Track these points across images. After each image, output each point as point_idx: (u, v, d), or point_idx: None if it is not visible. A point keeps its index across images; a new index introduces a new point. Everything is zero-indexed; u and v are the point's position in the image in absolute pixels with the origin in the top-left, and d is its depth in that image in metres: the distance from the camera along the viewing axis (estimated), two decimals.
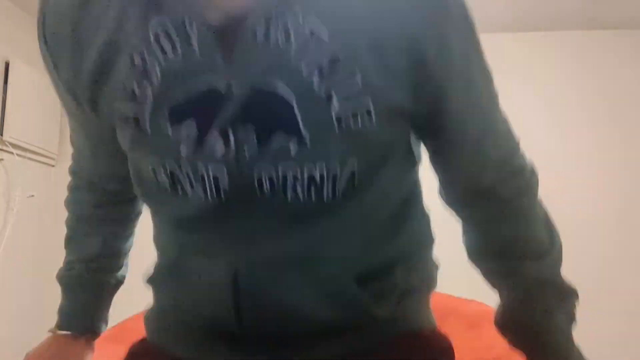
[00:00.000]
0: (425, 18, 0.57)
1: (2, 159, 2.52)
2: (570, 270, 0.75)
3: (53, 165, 2.90)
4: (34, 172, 2.76)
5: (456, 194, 0.72)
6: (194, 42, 0.55)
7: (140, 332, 0.94)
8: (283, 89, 0.55)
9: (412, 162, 0.71)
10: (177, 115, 0.57)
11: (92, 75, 0.60)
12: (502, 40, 2.81)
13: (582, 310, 0.72)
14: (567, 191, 2.68)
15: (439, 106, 0.62)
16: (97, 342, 0.88)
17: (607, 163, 2.68)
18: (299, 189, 0.58)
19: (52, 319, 0.85)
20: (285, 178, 0.57)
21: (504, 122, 0.72)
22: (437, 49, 0.58)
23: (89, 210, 0.84)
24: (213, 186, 0.58)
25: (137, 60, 0.56)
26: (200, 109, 0.57)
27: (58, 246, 2.98)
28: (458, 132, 0.66)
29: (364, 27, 0.55)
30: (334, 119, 0.55)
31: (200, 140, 0.57)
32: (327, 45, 0.54)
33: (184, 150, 0.58)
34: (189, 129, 0.57)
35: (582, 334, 0.73)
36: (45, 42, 0.65)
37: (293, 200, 0.59)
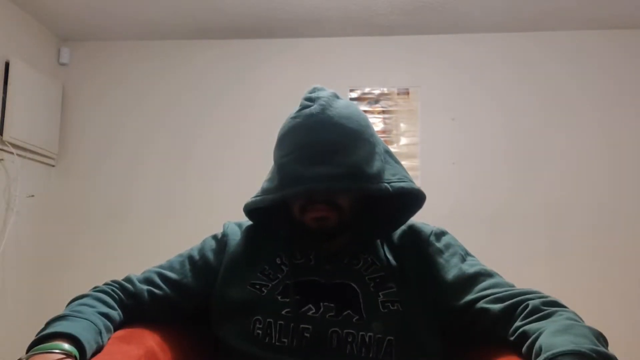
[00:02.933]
0: (420, 248, 1.06)
1: (2, 159, 2.52)
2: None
3: (53, 165, 2.91)
4: (34, 172, 2.76)
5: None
6: (313, 259, 1.04)
7: (149, 334, 0.94)
8: (355, 285, 0.99)
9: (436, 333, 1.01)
10: (289, 289, 0.98)
11: (250, 263, 1.05)
12: (502, 40, 2.81)
13: None
14: (567, 191, 2.68)
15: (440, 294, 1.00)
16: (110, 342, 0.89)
17: (607, 163, 2.68)
18: (355, 346, 0.92)
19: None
20: (346, 336, 0.93)
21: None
22: (429, 267, 1.03)
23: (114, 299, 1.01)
24: (301, 335, 0.93)
25: (279, 260, 1.04)
26: (305, 290, 0.98)
27: (58, 246, 2.98)
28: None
29: (394, 260, 1.04)
30: (379, 303, 0.96)
31: (301, 304, 0.96)
32: (378, 268, 1.02)
33: (287, 309, 0.95)
34: (296, 299, 0.97)
35: None
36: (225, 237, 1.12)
37: (350, 353, 0.92)
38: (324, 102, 0.96)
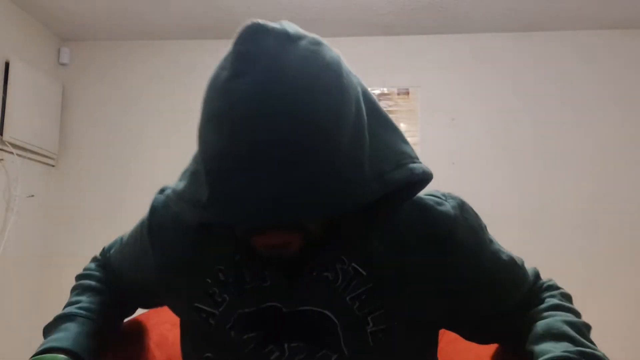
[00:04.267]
0: (434, 249, 0.72)
1: (2, 159, 2.52)
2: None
3: (53, 165, 2.91)
4: (34, 172, 2.76)
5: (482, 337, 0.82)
6: (268, 278, 0.72)
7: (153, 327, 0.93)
8: (331, 312, 0.71)
9: (434, 350, 0.82)
10: (244, 322, 0.73)
11: (185, 274, 0.77)
12: (502, 40, 2.81)
13: None
14: (566, 191, 2.68)
15: (458, 308, 0.75)
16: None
17: (608, 162, 2.68)
18: None
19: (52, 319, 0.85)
20: None
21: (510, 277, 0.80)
22: (449, 271, 0.72)
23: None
24: None
25: (223, 277, 0.74)
26: (264, 321, 0.72)
27: (58, 246, 2.98)
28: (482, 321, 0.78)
29: (391, 263, 0.72)
30: (369, 334, 0.71)
31: (262, 345, 0.72)
32: (365, 278, 0.71)
33: (245, 350, 0.73)
34: (252, 336, 0.73)
35: None
36: (150, 234, 0.80)
37: None
38: (268, 66, 0.58)
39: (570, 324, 0.70)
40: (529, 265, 0.85)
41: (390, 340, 0.71)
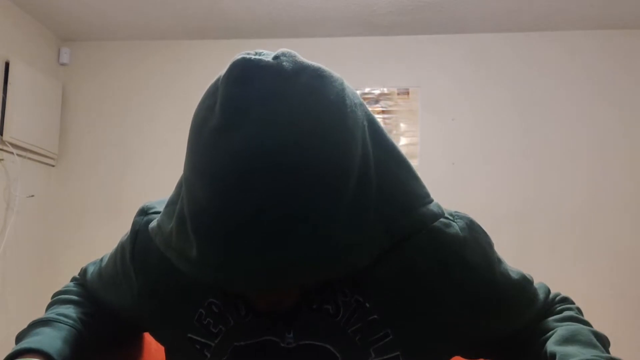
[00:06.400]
0: (444, 273, 0.67)
1: (2, 159, 2.52)
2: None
3: (53, 165, 2.91)
4: (34, 172, 2.76)
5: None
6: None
7: None
8: (332, 346, 0.66)
9: None
10: (240, 356, 0.67)
11: (175, 303, 0.71)
12: (502, 40, 2.81)
13: None
14: (566, 190, 2.68)
15: (468, 331, 0.70)
16: None
17: (608, 162, 2.68)
18: None
19: None
20: None
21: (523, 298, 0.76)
22: (461, 296, 0.67)
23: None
24: None
25: (216, 309, 0.69)
26: (261, 355, 0.67)
27: (58, 246, 2.98)
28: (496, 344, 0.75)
29: (398, 291, 0.67)
30: None
31: None
32: (368, 310, 0.66)
33: None
34: None
35: None
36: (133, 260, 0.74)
37: None
38: (261, 117, 0.51)
39: (596, 334, 0.68)
40: (535, 277, 0.81)
41: None
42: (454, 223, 0.69)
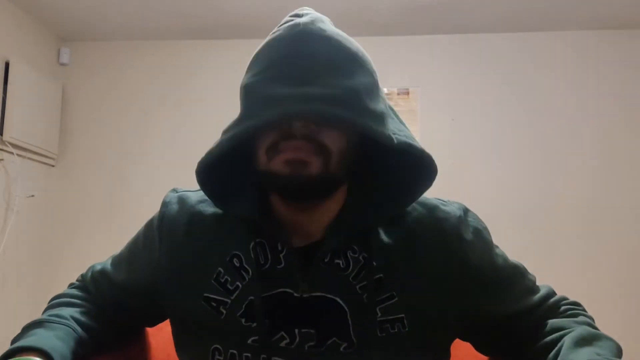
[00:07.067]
0: (444, 243, 0.74)
1: (2, 159, 2.52)
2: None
3: (53, 165, 2.91)
4: (34, 172, 2.76)
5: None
6: (283, 260, 0.74)
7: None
8: (341, 299, 0.72)
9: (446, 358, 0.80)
10: (255, 309, 0.73)
11: (195, 266, 0.77)
12: (502, 40, 2.81)
13: None
14: (569, 190, 2.68)
15: (468, 309, 0.75)
16: None
17: (608, 162, 2.68)
18: None
19: None
20: None
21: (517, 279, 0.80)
22: (459, 267, 0.74)
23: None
24: None
25: (237, 263, 0.75)
26: (275, 308, 0.73)
27: (58, 246, 2.98)
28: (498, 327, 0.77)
29: (401, 256, 0.74)
30: (377, 323, 0.71)
31: (272, 332, 0.73)
32: (375, 268, 0.72)
33: (255, 338, 0.73)
34: (262, 324, 0.72)
35: None
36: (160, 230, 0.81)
37: None
38: (315, 16, 0.72)
39: (611, 340, 0.69)
40: (533, 265, 0.82)
41: (399, 335, 0.72)
42: (449, 204, 0.79)
